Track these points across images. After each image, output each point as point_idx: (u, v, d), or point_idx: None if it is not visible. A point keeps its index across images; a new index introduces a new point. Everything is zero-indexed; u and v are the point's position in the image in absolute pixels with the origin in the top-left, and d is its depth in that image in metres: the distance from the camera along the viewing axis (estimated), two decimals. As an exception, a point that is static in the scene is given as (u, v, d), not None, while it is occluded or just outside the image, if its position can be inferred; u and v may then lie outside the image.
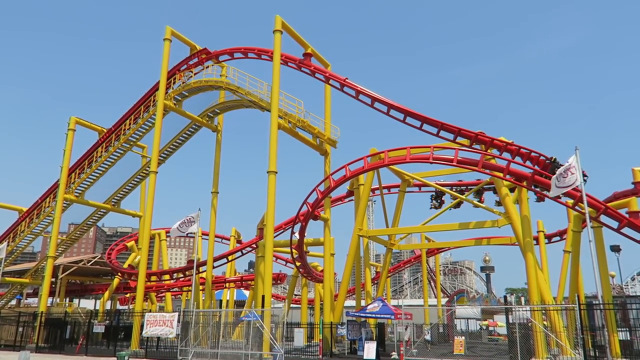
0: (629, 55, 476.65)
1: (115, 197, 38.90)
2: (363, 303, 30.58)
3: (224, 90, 31.38)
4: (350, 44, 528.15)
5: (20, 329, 32.61)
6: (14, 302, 45.75)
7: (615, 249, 38.15)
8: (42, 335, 30.62)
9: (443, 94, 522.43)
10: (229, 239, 45.69)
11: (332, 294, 29.06)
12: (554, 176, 18.83)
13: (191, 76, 32.83)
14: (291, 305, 41.79)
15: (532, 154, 23.94)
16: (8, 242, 40.37)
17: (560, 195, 20.68)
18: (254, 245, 36.37)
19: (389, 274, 45.59)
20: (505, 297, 39.77)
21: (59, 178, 35.95)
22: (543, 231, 35.69)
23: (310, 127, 29.71)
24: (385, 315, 24.62)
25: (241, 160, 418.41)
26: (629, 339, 21.60)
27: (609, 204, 22.31)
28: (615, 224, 21.84)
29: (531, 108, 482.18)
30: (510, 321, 21.54)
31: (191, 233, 30.47)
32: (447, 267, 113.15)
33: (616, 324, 20.97)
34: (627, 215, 21.83)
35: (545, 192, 21.74)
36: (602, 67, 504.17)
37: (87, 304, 54.75)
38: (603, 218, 21.93)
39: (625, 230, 21.70)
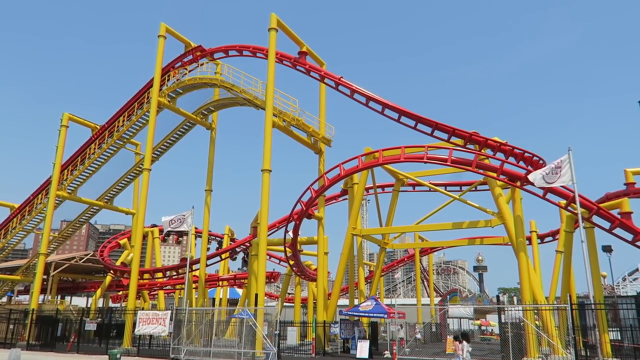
0: (622, 57, 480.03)
1: (108, 195, 38.70)
2: (356, 302, 30.61)
3: (219, 87, 31.29)
4: (345, 45, 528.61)
5: (11, 327, 32.42)
6: (4, 299, 45.45)
7: (607, 249, 38.36)
8: (33, 333, 30.42)
9: (438, 95, 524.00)
10: (222, 237, 45.56)
11: (326, 292, 29.05)
12: (543, 168, 18.83)
13: (185, 73, 32.70)
14: (284, 303, 41.77)
15: (526, 154, 24.05)
16: (-1, 238, 40.09)
17: (553, 189, 20.80)
18: (247, 244, 36.31)
19: (383, 273, 45.66)
20: (497, 296, 39.90)
21: (52, 175, 35.72)
22: (536, 231, 35.88)
23: (304, 126, 29.69)
24: (378, 314, 24.67)
25: (235, 158, 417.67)
26: (619, 338, 21.76)
27: (601, 205, 22.46)
28: (607, 225, 21.99)
29: (525, 108, 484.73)
30: (503, 321, 21.63)
31: (184, 231, 30.37)
32: (440, 266, 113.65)
33: (607, 324, 21.11)
34: (619, 216, 21.98)
35: (526, 187, 21.78)
36: (596, 68, 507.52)
37: (79, 301, 54.41)
38: (595, 219, 22.08)
39: (617, 230, 21.86)
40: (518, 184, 22.21)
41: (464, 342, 16.39)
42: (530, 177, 19.52)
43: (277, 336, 21.38)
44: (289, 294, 54.69)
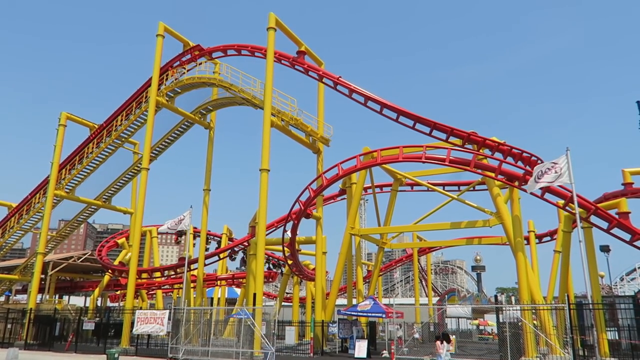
0: (621, 58, 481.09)
1: (107, 194, 38.65)
2: (354, 302, 30.63)
3: (217, 87, 31.25)
4: (343, 44, 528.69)
5: (9, 326, 32.35)
6: (2, 298, 45.35)
7: (605, 249, 38.50)
8: (31, 332, 30.36)
9: (436, 94, 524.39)
10: (220, 237, 45.60)
11: (324, 292, 29.07)
12: (535, 172, 18.94)
13: (184, 73, 32.66)
14: (282, 303, 41.79)
15: (524, 154, 24.09)
16: (-3, 238, 40.00)
17: (547, 189, 20.81)
18: (245, 243, 36.30)
19: (381, 273, 45.67)
20: (495, 296, 40.05)
21: (50, 174, 35.64)
22: (534, 231, 35.92)
23: (303, 125, 29.68)
24: (376, 314, 24.69)
25: (233, 157, 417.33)
26: (617, 338, 21.81)
27: (599, 205, 22.51)
28: (605, 225, 22.03)
29: (523, 108, 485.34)
30: (501, 320, 21.67)
31: (182, 230, 30.36)
32: (438, 266, 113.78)
33: (605, 324, 21.17)
34: (616, 216, 22.03)
35: (524, 187, 21.85)
36: (595, 68, 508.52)
37: (77, 301, 54.35)
38: (593, 219, 22.12)
39: (615, 230, 21.91)
40: (516, 183, 22.25)
41: (445, 343, 16.71)
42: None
43: (273, 335, 21.36)
44: (287, 293, 54.68)
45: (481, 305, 38.46)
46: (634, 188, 25.81)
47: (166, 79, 32.73)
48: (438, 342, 16.72)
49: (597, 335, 18.20)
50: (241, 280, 40.70)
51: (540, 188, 20.08)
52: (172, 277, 41.54)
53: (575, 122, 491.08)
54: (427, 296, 55.17)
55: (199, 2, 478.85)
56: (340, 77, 27.62)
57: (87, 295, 50.43)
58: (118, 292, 48.99)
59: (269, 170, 25.21)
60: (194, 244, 41.07)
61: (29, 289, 34.48)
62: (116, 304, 51.16)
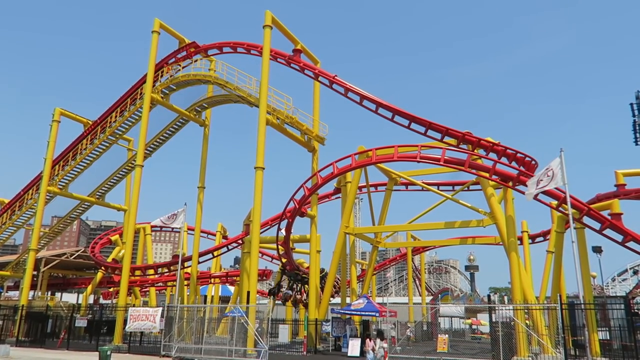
0: (616, 59, 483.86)
1: (100, 191, 38.48)
2: (348, 300, 30.66)
3: (212, 84, 31.18)
4: (339, 44, 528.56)
5: (1, 323, 32.17)
6: (-6, 295, 45.06)
7: (597, 250, 38.75)
8: (22, 329, 30.21)
9: (432, 94, 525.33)
10: (214, 235, 45.53)
11: (318, 291, 29.08)
12: (532, 179, 19.08)
13: (179, 70, 32.56)
14: (276, 301, 41.75)
15: (518, 154, 24.18)
16: (-11, 234, 39.73)
17: (540, 193, 20.97)
18: (239, 241, 36.25)
19: (375, 272, 45.70)
20: (488, 296, 40.21)
21: (43, 170, 35.45)
22: (527, 231, 36.07)
23: (298, 124, 29.66)
24: (370, 313, 24.73)
25: (228, 155, 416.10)
26: (608, 338, 21.96)
27: (591, 206, 22.65)
28: (597, 225, 22.17)
29: (518, 109, 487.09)
30: (493, 320, 21.75)
31: (177, 228, 30.28)
32: (432, 265, 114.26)
33: (596, 324, 21.32)
34: (609, 217, 22.17)
35: (518, 188, 21.96)
36: (590, 70, 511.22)
37: (70, 297, 54.08)
38: (586, 219, 22.25)
39: (607, 231, 22.06)
40: (510, 184, 22.34)
41: (378, 340, 16.95)
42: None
43: (267, 333, 21.33)
44: (281, 291, 54.58)
45: (474, 304, 38.57)
46: (626, 189, 26.00)
47: (161, 76, 32.60)
48: (367, 340, 17.08)
49: (588, 335, 18.33)
50: (235, 278, 40.65)
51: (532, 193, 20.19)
52: (165, 274, 41.42)
53: (569, 123, 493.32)
54: (420, 295, 55.29)
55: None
56: (336, 75, 27.61)
57: (80, 292, 50.17)
58: (111, 289, 48.75)
59: (263, 168, 25.19)
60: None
61: (21, 286, 34.30)
62: (109, 301, 50.96)
